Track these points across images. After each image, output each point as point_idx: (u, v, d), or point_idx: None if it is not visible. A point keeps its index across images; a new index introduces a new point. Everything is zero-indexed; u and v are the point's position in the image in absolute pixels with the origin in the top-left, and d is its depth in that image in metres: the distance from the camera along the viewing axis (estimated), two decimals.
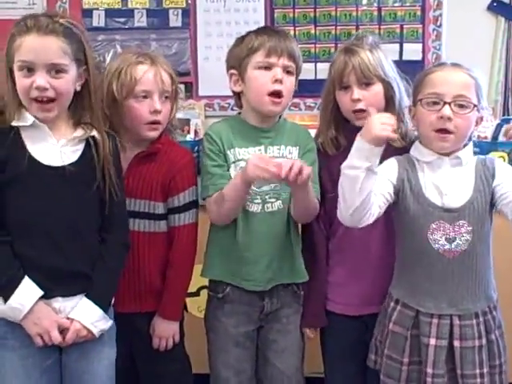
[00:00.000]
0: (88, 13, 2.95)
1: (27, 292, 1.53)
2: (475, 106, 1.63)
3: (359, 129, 1.68)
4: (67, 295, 1.58)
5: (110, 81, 1.77)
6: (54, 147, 1.56)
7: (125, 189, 1.69)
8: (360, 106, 1.78)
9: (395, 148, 1.76)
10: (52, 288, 1.55)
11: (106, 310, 1.61)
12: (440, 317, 1.66)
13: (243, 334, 1.83)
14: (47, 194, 1.54)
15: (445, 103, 1.61)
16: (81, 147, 1.59)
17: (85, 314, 1.58)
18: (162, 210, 1.80)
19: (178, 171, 1.79)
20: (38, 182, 1.54)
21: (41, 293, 1.54)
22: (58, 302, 1.57)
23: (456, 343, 1.64)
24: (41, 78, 1.49)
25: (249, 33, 1.81)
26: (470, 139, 1.72)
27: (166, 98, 1.79)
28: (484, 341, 1.66)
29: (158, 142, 1.80)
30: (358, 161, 1.55)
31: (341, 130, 1.86)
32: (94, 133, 1.58)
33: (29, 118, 1.53)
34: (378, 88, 1.80)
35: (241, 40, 1.81)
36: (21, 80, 1.51)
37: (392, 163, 1.71)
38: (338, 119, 1.86)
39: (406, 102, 1.84)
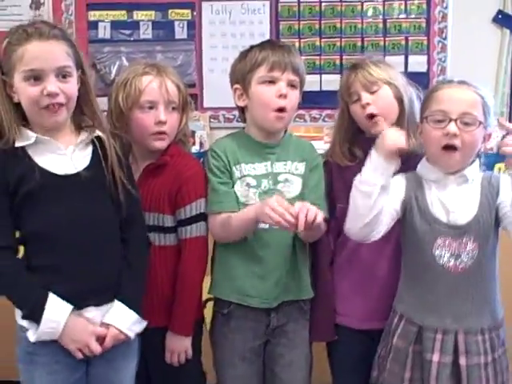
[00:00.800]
0: (94, 25, 2.97)
1: (57, 309, 1.51)
2: (481, 123, 1.62)
3: (374, 139, 1.70)
4: (99, 304, 1.56)
5: (116, 93, 1.77)
6: (65, 156, 1.54)
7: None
8: (370, 109, 1.78)
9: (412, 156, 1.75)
10: (84, 297, 1.54)
11: (138, 312, 1.61)
12: (444, 332, 1.64)
13: (250, 349, 1.81)
14: (67, 203, 1.52)
15: (450, 120, 1.61)
16: (89, 151, 1.57)
17: (120, 319, 1.57)
18: (171, 222, 1.77)
19: (185, 182, 1.75)
20: (55, 193, 1.52)
21: (70, 307, 1.52)
22: (91, 312, 1.55)
23: (462, 360, 1.62)
24: (52, 84, 1.46)
25: (252, 47, 1.80)
26: (477, 156, 1.71)
27: (173, 108, 1.78)
28: (490, 358, 1.64)
29: (167, 154, 1.78)
30: (373, 177, 1.58)
31: (355, 142, 1.85)
32: (98, 133, 1.57)
33: (31, 135, 1.50)
34: (385, 91, 1.80)
35: (244, 55, 1.80)
36: (28, 90, 1.47)
37: (400, 180, 1.70)
38: (354, 135, 1.86)
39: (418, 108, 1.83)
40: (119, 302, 1.58)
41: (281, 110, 1.75)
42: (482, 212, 1.64)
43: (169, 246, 1.77)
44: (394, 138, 1.56)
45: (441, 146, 1.63)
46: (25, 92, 1.48)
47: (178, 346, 1.76)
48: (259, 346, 1.83)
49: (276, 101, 1.74)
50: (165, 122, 1.74)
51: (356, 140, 1.86)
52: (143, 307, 1.65)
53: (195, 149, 2.76)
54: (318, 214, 1.60)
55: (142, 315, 1.62)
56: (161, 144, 1.77)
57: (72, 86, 1.51)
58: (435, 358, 1.63)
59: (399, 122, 1.79)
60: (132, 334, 1.59)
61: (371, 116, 1.78)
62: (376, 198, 1.58)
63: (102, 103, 1.87)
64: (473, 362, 1.62)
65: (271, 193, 1.76)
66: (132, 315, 1.59)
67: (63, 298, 1.52)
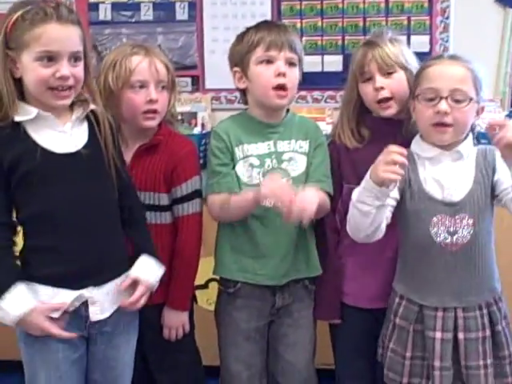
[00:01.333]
0: (94, 6, 2.96)
1: (14, 305, 1.48)
2: (471, 99, 1.62)
3: (382, 119, 1.73)
4: (99, 284, 1.57)
5: (106, 73, 1.77)
6: (64, 134, 1.54)
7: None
8: (384, 93, 1.77)
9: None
10: (83, 277, 1.54)
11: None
12: (444, 310, 1.66)
13: (254, 328, 1.83)
14: (68, 183, 1.53)
15: (441, 98, 1.61)
16: (85, 126, 1.58)
17: (151, 274, 1.62)
18: (167, 201, 1.80)
19: (180, 161, 1.78)
20: (56, 172, 1.52)
21: (30, 306, 1.49)
22: (89, 292, 1.56)
23: (460, 335, 1.65)
24: (65, 68, 1.46)
25: (248, 29, 1.80)
26: (471, 130, 1.71)
27: (163, 87, 1.79)
28: (488, 332, 1.66)
29: (159, 134, 1.81)
30: (369, 199, 1.59)
31: (362, 123, 1.84)
32: (92, 106, 1.57)
33: (31, 111, 1.50)
34: (400, 75, 1.78)
35: (241, 37, 1.80)
36: (40, 70, 1.46)
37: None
38: (361, 113, 1.85)
39: None
40: (149, 258, 1.62)
41: (281, 87, 1.75)
42: (476, 187, 1.64)
43: (164, 225, 1.81)
44: (384, 168, 1.52)
45: (432, 123, 1.63)
46: (35, 71, 1.47)
47: (176, 321, 1.80)
48: (264, 326, 1.85)
49: (275, 79, 1.74)
50: (156, 101, 1.76)
51: (363, 119, 1.85)
52: None
53: (197, 130, 2.77)
54: (312, 207, 1.61)
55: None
56: (151, 123, 1.78)
57: (81, 70, 1.52)
58: (438, 335, 1.65)
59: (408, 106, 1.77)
60: (156, 285, 1.64)
61: (383, 100, 1.77)
62: (374, 216, 1.61)
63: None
64: (471, 336, 1.65)
65: (275, 172, 1.77)
66: (159, 271, 1.64)
67: (63, 278, 1.53)
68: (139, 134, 1.80)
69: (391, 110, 1.78)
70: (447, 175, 1.66)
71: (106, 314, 1.59)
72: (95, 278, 1.56)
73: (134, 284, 1.60)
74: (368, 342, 1.84)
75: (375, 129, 1.77)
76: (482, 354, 1.65)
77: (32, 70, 1.47)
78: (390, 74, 1.77)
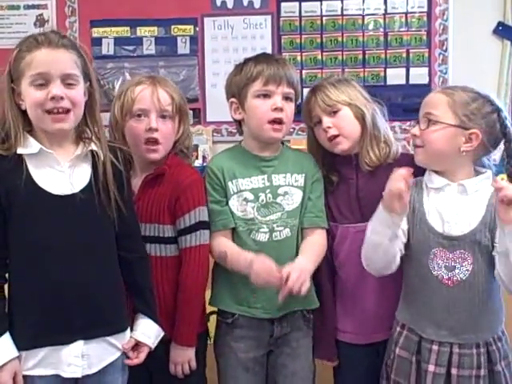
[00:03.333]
0: (97, 41, 3.00)
1: (1, 350, 1.48)
2: (437, 122, 1.63)
3: (341, 157, 1.81)
4: (89, 337, 1.54)
5: (114, 104, 1.80)
6: (62, 174, 1.53)
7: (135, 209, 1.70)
8: (331, 132, 1.81)
9: (378, 168, 1.82)
10: (72, 330, 1.52)
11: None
12: (440, 344, 1.64)
13: (252, 359, 1.81)
14: (59, 224, 1.51)
15: (417, 123, 1.69)
16: (88, 166, 1.56)
17: (154, 338, 1.65)
18: (171, 233, 1.77)
19: (183, 191, 1.75)
20: (49, 212, 1.50)
21: (15, 355, 1.48)
22: (78, 347, 1.53)
23: (453, 371, 1.63)
24: (56, 88, 1.48)
25: (247, 61, 1.82)
26: (490, 168, 1.72)
27: (166, 117, 1.78)
28: (483, 372, 1.63)
29: (165, 164, 1.79)
30: (381, 229, 1.61)
31: (330, 167, 1.89)
32: (93, 147, 1.56)
33: (35, 145, 1.51)
34: (345, 112, 1.82)
35: (239, 68, 1.82)
36: (34, 94, 1.48)
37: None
38: (325, 157, 1.90)
39: (384, 122, 1.88)
40: (150, 321, 1.64)
41: (277, 121, 1.77)
42: (481, 227, 1.62)
43: (170, 257, 1.77)
44: (389, 195, 1.58)
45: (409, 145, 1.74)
46: (30, 96, 1.49)
47: (182, 357, 1.76)
48: (262, 356, 1.83)
49: (272, 114, 1.76)
50: (156, 129, 1.75)
51: (327, 161, 1.89)
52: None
53: (198, 162, 2.78)
54: (304, 285, 1.64)
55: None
56: (154, 155, 1.77)
57: (78, 93, 1.52)
58: (431, 368, 1.64)
59: (363, 139, 1.83)
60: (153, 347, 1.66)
61: (333, 137, 1.81)
62: (386, 247, 1.62)
63: (105, 118, 1.89)
64: (464, 373, 1.63)
65: (270, 206, 1.79)
66: (159, 332, 1.66)
67: (48, 330, 1.50)
68: (147, 164, 1.80)
69: (342, 146, 1.82)
70: (450, 208, 1.65)
71: (93, 370, 1.56)
72: (85, 332, 1.53)
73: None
74: (370, 376, 1.83)
75: (343, 172, 1.86)
76: None
77: (28, 95, 1.50)
78: (335, 112, 1.81)
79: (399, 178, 1.56)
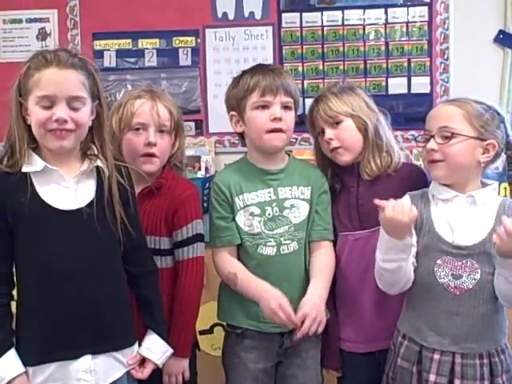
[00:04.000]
0: (99, 53, 3.00)
1: (8, 366, 1.48)
2: (460, 134, 1.61)
3: (348, 170, 1.82)
4: (97, 352, 1.53)
5: (111, 116, 1.80)
6: (68, 190, 1.53)
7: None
8: (334, 144, 1.82)
9: (379, 177, 1.82)
10: (79, 345, 1.51)
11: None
12: (442, 353, 1.64)
13: (262, 370, 1.81)
14: (67, 240, 1.51)
15: (431, 137, 1.65)
16: (93, 182, 1.56)
17: (161, 355, 1.64)
18: (168, 245, 1.78)
19: (181, 204, 1.76)
20: (56, 228, 1.50)
21: (22, 370, 1.48)
22: (86, 362, 1.53)
23: (457, 382, 1.62)
24: (61, 111, 1.48)
25: (243, 73, 1.82)
26: (497, 179, 1.73)
27: (164, 132, 1.79)
28: (487, 383, 1.62)
29: (161, 177, 1.80)
30: (395, 255, 1.61)
31: (334, 175, 1.90)
32: (99, 163, 1.56)
33: (39, 163, 1.51)
34: (347, 124, 1.82)
35: (237, 81, 1.82)
36: (39, 113, 1.48)
37: (405, 202, 1.70)
38: (330, 165, 1.90)
39: (387, 131, 1.87)
40: (157, 337, 1.62)
41: (277, 130, 1.77)
42: (490, 238, 1.61)
43: (165, 269, 1.78)
44: (401, 212, 1.57)
45: (427, 161, 1.69)
46: (35, 114, 1.49)
47: (177, 368, 1.76)
48: (271, 368, 1.83)
49: (271, 124, 1.76)
50: (154, 144, 1.76)
51: (332, 170, 1.90)
52: (140, 331, 1.67)
53: (201, 174, 2.78)
54: (321, 325, 1.66)
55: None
56: (150, 167, 1.78)
57: (83, 115, 1.52)
58: (432, 378, 1.63)
59: (364, 150, 1.83)
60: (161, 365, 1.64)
61: (334, 149, 1.82)
62: (405, 267, 1.63)
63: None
64: None
65: (276, 219, 1.79)
66: (167, 349, 1.65)
67: (56, 345, 1.49)
68: (142, 178, 1.79)
69: (343, 158, 1.83)
70: (459, 218, 1.65)
71: None
72: (92, 347, 1.53)
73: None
74: None
75: (347, 181, 1.87)
76: None
77: (33, 114, 1.50)
78: (337, 123, 1.81)
79: (408, 211, 1.56)
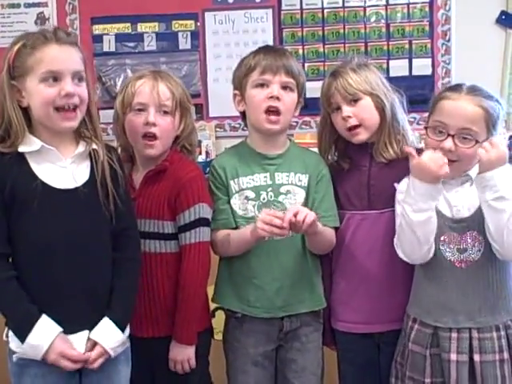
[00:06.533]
0: (98, 38, 2.99)
1: (43, 334, 1.50)
2: (477, 141, 1.60)
3: (355, 145, 1.77)
4: (90, 328, 1.55)
5: (116, 99, 1.80)
6: (65, 169, 1.54)
7: (134, 206, 1.69)
8: (352, 122, 1.79)
9: (394, 160, 1.80)
10: (78, 321, 1.53)
11: (123, 330, 1.59)
12: (459, 331, 1.64)
13: (262, 353, 1.81)
14: (64, 218, 1.52)
15: (448, 135, 1.62)
16: (88, 164, 1.57)
17: (107, 338, 1.56)
18: (172, 229, 1.75)
19: (183, 187, 1.73)
20: (52, 206, 1.51)
21: (57, 331, 1.50)
22: (85, 336, 1.54)
23: (476, 357, 1.62)
24: (69, 85, 1.48)
25: (249, 54, 1.83)
26: None
27: (166, 112, 1.76)
28: (506, 355, 1.63)
29: (166, 160, 1.78)
30: (425, 204, 1.59)
31: (342, 153, 1.88)
32: (95, 146, 1.57)
33: (36, 143, 1.51)
34: (366, 102, 1.79)
35: (241, 61, 1.83)
36: (45, 91, 1.48)
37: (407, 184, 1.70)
38: (337, 142, 1.88)
39: (402, 113, 1.85)
40: (109, 321, 1.56)
41: (273, 111, 1.76)
42: None
43: (169, 254, 1.76)
44: (437, 165, 1.57)
45: None
46: (41, 93, 1.49)
47: (182, 356, 1.74)
48: (272, 351, 1.83)
49: (267, 102, 1.75)
50: (154, 124, 1.74)
51: (340, 147, 1.88)
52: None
53: (201, 158, 2.77)
54: (309, 215, 1.62)
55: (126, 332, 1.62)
56: (151, 151, 1.76)
57: (85, 90, 1.54)
58: (453, 357, 1.63)
59: (381, 130, 1.81)
60: (114, 354, 1.57)
61: (352, 127, 1.79)
62: (434, 219, 1.61)
63: (108, 116, 1.88)
64: (487, 358, 1.62)
65: (271, 204, 1.78)
66: (119, 336, 1.57)
67: (55, 321, 1.51)
68: (148, 160, 1.79)
69: (361, 137, 1.80)
70: (456, 193, 1.67)
71: None
72: (90, 322, 1.55)
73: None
74: (371, 368, 1.83)
75: (356, 158, 1.84)
76: (501, 377, 1.61)
77: (38, 93, 1.49)
78: (355, 101, 1.79)
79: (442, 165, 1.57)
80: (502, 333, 1.64)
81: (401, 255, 1.69)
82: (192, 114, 1.86)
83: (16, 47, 1.50)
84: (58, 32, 1.51)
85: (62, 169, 1.54)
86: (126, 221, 1.62)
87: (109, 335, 1.56)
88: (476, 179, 1.59)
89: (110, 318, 1.57)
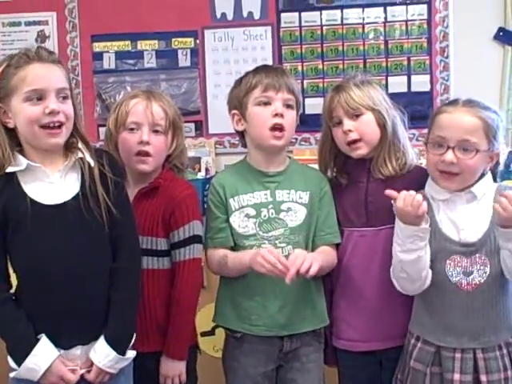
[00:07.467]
0: (98, 55, 3.01)
1: (41, 357, 1.50)
2: (478, 150, 1.60)
3: (355, 160, 1.78)
4: (87, 343, 1.56)
5: (109, 116, 1.82)
6: (53, 185, 1.54)
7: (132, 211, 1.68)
8: (352, 136, 1.79)
9: (392, 177, 1.80)
10: (71, 337, 1.54)
11: (124, 348, 1.59)
12: (463, 351, 1.63)
13: (262, 374, 1.80)
14: (55, 234, 1.52)
15: (448, 148, 1.62)
16: (77, 176, 1.57)
17: (103, 358, 1.55)
18: (165, 246, 1.77)
19: (177, 205, 1.75)
20: (44, 223, 1.52)
21: (55, 355, 1.51)
22: (79, 350, 1.56)
23: (483, 377, 1.61)
24: (53, 103, 1.49)
25: (247, 73, 1.83)
26: (490, 170, 1.71)
27: (158, 131, 1.78)
28: (510, 373, 1.63)
29: (159, 177, 1.80)
30: (413, 244, 1.60)
31: (340, 169, 1.88)
32: (80, 155, 1.56)
33: (22, 162, 1.52)
34: (368, 117, 1.80)
35: (239, 81, 1.83)
36: (29, 109, 1.49)
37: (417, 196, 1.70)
38: (337, 158, 1.89)
39: (403, 131, 1.86)
40: (103, 341, 1.56)
41: (278, 128, 1.76)
42: (493, 227, 1.62)
43: (162, 270, 1.77)
44: (413, 207, 1.58)
45: (439, 170, 1.65)
46: (25, 112, 1.50)
47: (173, 371, 1.74)
48: (272, 371, 1.82)
49: (272, 120, 1.76)
50: (147, 142, 1.76)
51: (338, 163, 1.88)
52: (137, 332, 1.64)
53: (201, 175, 2.78)
54: (314, 265, 1.62)
55: (125, 350, 1.60)
56: (144, 166, 1.78)
57: (70, 108, 1.55)
58: (456, 377, 1.62)
59: (381, 146, 1.81)
60: (114, 371, 1.58)
61: (352, 142, 1.80)
62: (424, 258, 1.62)
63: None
64: (494, 378, 1.61)
65: (272, 222, 1.78)
66: (113, 355, 1.56)
67: (49, 338, 1.52)
68: (140, 178, 1.80)
69: (361, 151, 1.81)
70: (462, 216, 1.65)
71: None
72: (83, 337, 1.55)
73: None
74: None
75: (354, 175, 1.84)
76: None
77: (22, 112, 1.50)
78: (357, 116, 1.79)
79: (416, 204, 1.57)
80: (504, 351, 1.64)
81: (397, 287, 1.70)
82: (183, 134, 1.88)
83: (1, 68, 1.52)
84: (40, 51, 1.53)
85: (50, 185, 1.54)
86: (120, 227, 1.60)
87: (103, 355, 1.56)
88: (499, 233, 1.58)
89: (106, 337, 1.56)
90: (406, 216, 1.59)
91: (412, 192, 1.60)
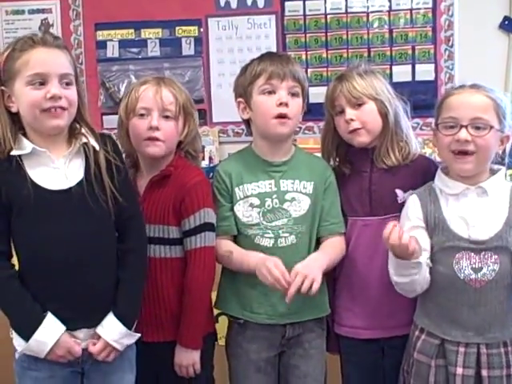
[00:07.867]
0: (102, 44, 3.00)
1: (48, 332, 1.51)
2: (492, 127, 1.59)
3: (357, 150, 1.79)
4: (92, 326, 1.57)
5: (121, 104, 1.82)
6: (58, 170, 1.54)
7: (136, 194, 1.70)
8: (354, 125, 1.79)
9: (395, 166, 1.80)
10: (76, 320, 1.55)
11: (131, 325, 1.60)
12: (467, 345, 1.62)
13: (265, 359, 1.81)
14: (59, 220, 1.52)
15: (461, 127, 1.60)
16: (81, 161, 1.57)
17: (110, 332, 1.57)
18: (177, 234, 1.76)
19: (188, 193, 1.74)
20: (48, 208, 1.52)
21: (62, 330, 1.52)
22: (83, 333, 1.57)
23: (484, 372, 1.61)
24: (55, 88, 1.49)
25: (252, 60, 1.83)
26: (502, 164, 1.70)
27: (169, 117, 1.77)
28: None
29: (170, 165, 1.79)
30: (407, 271, 1.61)
31: (343, 158, 1.88)
32: (85, 140, 1.56)
33: (28, 145, 1.52)
34: (370, 107, 1.80)
35: (244, 68, 1.83)
36: (31, 93, 1.49)
37: (414, 203, 1.70)
38: (339, 147, 1.89)
39: (406, 121, 1.86)
40: (112, 315, 1.57)
41: (282, 116, 1.76)
42: (506, 229, 1.61)
43: (175, 259, 1.76)
44: (397, 242, 1.56)
45: (453, 151, 1.62)
46: (27, 96, 1.50)
47: (186, 360, 1.74)
48: (274, 357, 1.83)
49: (277, 109, 1.75)
50: (157, 128, 1.75)
51: (341, 152, 1.88)
52: (151, 322, 1.67)
53: (205, 163, 2.77)
54: (315, 283, 1.63)
55: (133, 328, 1.62)
56: (154, 149, 1.76)
57: (73, 93, 1.54)
58: (459, 371, 1.61)
59: (383, 136, 1.81)
60: (120, 347, 1.59)
61: (354, 131, 1.80)
62: (419, 275, 1.63)
63: (111, 121, 1.88)
64: (495, 373, 1.61)
65: (276, 212, 1.78)
66: (121, 329, 1.58)
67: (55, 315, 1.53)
68: (152, 166, 1.80)
69: (362, 139, 1.80)
70: (472, 212, 1.63)
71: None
72: (88, 321, 1.56)
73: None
74: (375, 373, 1.83)
75: (357, 165, 1.84)
76: None
77: (24, 95, 1.50)
78: (359, 105, 1.79)
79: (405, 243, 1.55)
80: (510, 348, 1.63)
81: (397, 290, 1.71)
82: (196, 120, 1.87)
83: (6, 52, 1.52)
84: (45, 36, 1.53)
85: (55, 170, 1.55)
86: (127, 211, 1.61)
87: (111, 329, 1.57)
88: None
89: (114, 313, 1.58)
90: (396, 250, 1.59)
91: (398, 227, 1.57)
